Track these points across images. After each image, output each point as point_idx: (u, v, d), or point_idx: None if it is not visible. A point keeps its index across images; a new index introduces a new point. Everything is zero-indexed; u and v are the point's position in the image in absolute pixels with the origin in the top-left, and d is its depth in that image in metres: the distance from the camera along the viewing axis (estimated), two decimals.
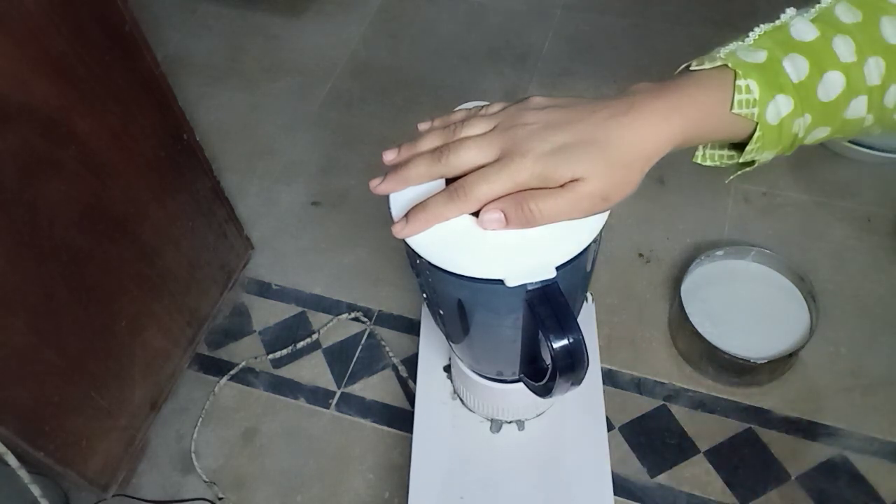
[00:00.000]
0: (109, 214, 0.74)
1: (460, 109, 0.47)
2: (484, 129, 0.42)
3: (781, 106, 0.39)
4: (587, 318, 0.81)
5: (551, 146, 0.39)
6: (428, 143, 0.44)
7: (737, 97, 0.39)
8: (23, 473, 0.67)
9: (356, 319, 0.96)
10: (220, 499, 0.84)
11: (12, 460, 0.66)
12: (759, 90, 0.39)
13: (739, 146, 0.43)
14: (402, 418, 0.87)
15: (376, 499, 0.82)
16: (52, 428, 0.71)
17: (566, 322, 0.43)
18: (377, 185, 0.45)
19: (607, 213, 0.46)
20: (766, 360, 0.81)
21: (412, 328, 0.94)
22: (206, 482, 0.85)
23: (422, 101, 1.19)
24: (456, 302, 0.50)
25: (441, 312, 0.54)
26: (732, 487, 0.80)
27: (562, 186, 0.39)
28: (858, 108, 0.40)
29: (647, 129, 0.39)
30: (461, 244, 0.44)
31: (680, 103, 0.40)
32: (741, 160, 0.42)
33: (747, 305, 0.89)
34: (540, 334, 0.45)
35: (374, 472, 0.84)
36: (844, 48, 0.39)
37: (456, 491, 0.69)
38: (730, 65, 0.39)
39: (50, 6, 0.60)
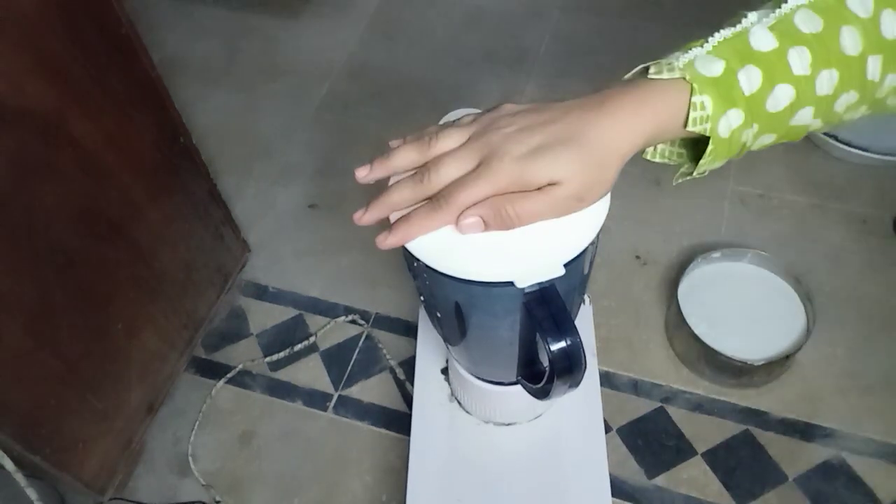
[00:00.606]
0: (106, 217, 0.74)
1: (432, 126, 0.47)
2: (459, 141, 0.43)
3: (732, 119, 0.40)
4: (584, 321, 0.81)
5: (527, 148, 0.40)
6: (403, 158, 0.45)
7: (692, 114, 0.40)
8: (19, 477, 0.67)
9: (353, 322, 0.96)
10: (218, 502, 0.83)
11: (8, 464, 0.66)
12: (713, 106, 0.40)
13: (689, 143, 0.45)
14: (399, 421, 0.87)
15: (374, 501, 0.82)
16: (49, 431, 0.71)
17: (564, 324, 0.43)
18: (361, 216, 0.46)
19: (605, 214, 0.46)
20: (762, 362, 0.81)
21: (409, 331, 0.94)
22: (203, 485, 0.85)
23: (419, 103, 1.19)
24: (453, 305, 0.50)
25: (438, 315, 0.54)
26: (730, 489, 0.80)
27: (539, 189, 0.40)
28: (805, 116, 0.41)
29: (619, 124, 0.40)
30: (460, 247, 0.44)
31: (644, 104, 0.41)
32: (696, 173, 0.44)
33: (744, 307, 0.89)
34: (537, 337, 0.45)
35: (372, 475, 0.84)
36: (799, 61, 0.40)
37: (453, 493, 0.69)
38: (687, 78, 0.40)
39: (46, 9, 0.60)
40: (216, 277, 0.96)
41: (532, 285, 0.44)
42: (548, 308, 0.45)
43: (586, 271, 0.53)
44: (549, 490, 0.68)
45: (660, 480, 0.81)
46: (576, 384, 0.46)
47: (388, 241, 0.44)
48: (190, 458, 0.87)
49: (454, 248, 0.44)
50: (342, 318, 0.96)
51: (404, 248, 0.47)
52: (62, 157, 0.66)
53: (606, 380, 0.88)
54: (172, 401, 0.91)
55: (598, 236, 0.48)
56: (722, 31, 0.42)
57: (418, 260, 0.46)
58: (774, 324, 0.87)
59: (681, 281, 0.89)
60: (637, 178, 1.06)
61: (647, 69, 0.42)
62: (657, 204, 1.04)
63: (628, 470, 0.82)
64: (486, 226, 0.42)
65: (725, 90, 0.40)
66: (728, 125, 0.40)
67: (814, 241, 0.98)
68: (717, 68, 0.40)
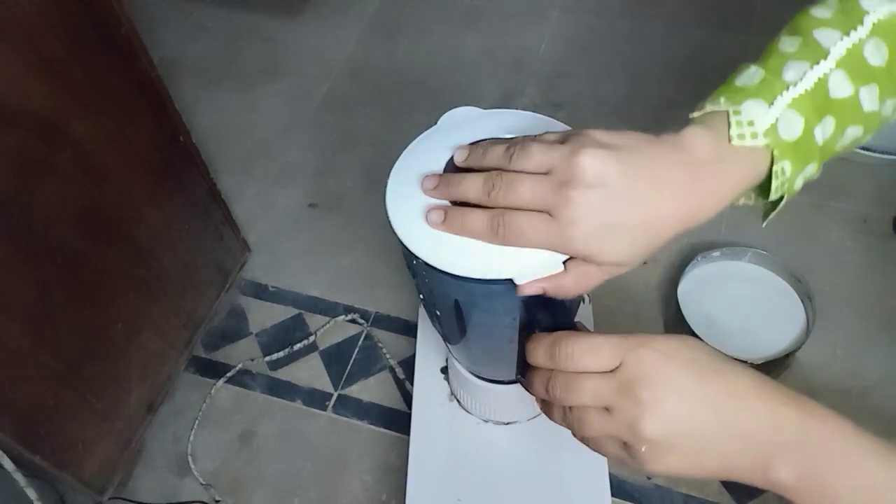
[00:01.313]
0: (105, 217, 0.74)
1: (494, 140, 0.45)
2: (540, 164, 0.41)
3: (808, 173, 0.42)
4: (584, 320, 0.81)
5: (604, 221, 0.39)
6: (473, 188, 0.43)
7: (774, 182, 0.41)
8: (18, 477, 0.67)
9: (353, 321, 0.96)
10: (217, 501, 0.83)
11: (8, 464, 0.66)
12: (792, 169, 0.41)
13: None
14: (399, 420, 0.87)
15: (374, 501, 0.82)
16: (48, 431, 0.71)
17: (563, 323, 0.43)
18: (438, 221, 0.44)
19: None
20: (762, 361, 0.81)
21: (409, 330, 0.94)
22: (202, 485, 0.85)
23: (419, 103, 1.19)
24: (453, 303, 0.50)
25: (438, 314, 0.54)
26: (730, 488, 0.80)
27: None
28: (856, 137, 0.43)
29: (699, 203, 0.42)
30: (459, 244, 0.44)
31: (725, 176, 0.41)
32: (767, 219, 0.46)
33: (744, 307, 0.89)
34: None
35: (372, 474, 0.84)
36: (869, 99, 0.41)
37: (453, 492, 0.69)
38: (770, 145, 0.40)
39: (46, 9, 0.60)
40: (216, 277, 0.96)
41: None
42: (547, 307, 0.45)
43: None
44: (548, 489, 0.68)
45: (659, 480, 0.81)
46: None
47: (440, 225, 0.44)
48: (189, 458, 0.87)
49: (453, 246, 0.44)
50: (342, 317, 0.96)
51: (404, 247, 0.47)
52: (62, 157, 0.66)
53: None
54: (172, 400, 0.91)
55: None
56: (795, 61, 0.41)
57: (417, 258, 0.46)
58: (774, 323, 0.87)
59: (681, 280, 0.89)
60: None
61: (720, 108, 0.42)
62: None
63: (628, 469, 0.82)
64: (544, 291, 0.43)
65: (804, 150, 0.41)
66: (803, 179, 0.42)
67: (814, 240, 0.98)
68: (797, 129, 0.40)
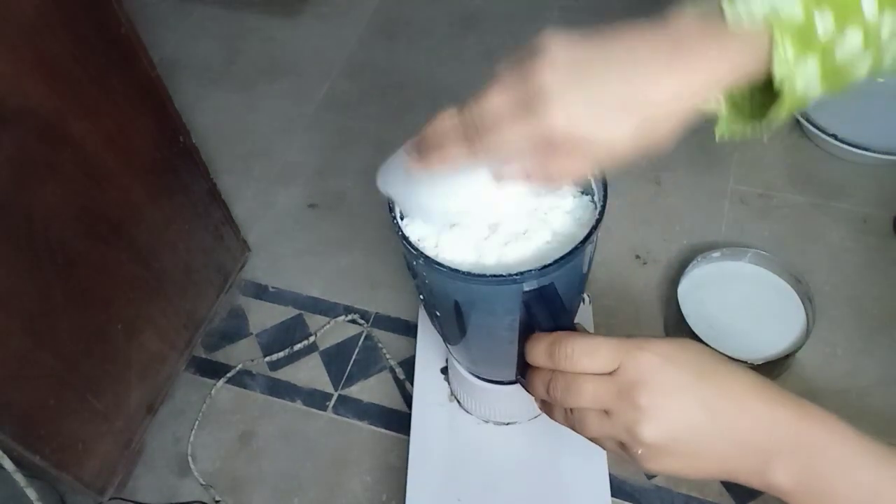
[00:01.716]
0: (105, 217, 0.74)
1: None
2: (505, 100, 0.39)
3: (809, 75, 0.37)
4: (584, 320, 0.81)
5: (583, 102, 0.36)
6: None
7: (776, 65, 0.36)
8: (18, 477, 0.67)
9: (353, 322, 0.96)
10: (217, 502, 0.83)
11: (8, 464, 0.66)
12: (794, 53, 0.36)
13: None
14: (399, 420, 0.87)
15: (374, 501, 0.82)
16: (48, 431, 0.71)
17: (563, 323, 0.43)
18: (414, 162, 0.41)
19: (601, 214, 0.46)
20: (762, 362, 0.81)
21: (409, 330, 0.94)
22: (202, 485, 0.85)
23: (419, 103, 1.19)
24: (453, 303, 0.50)
25: (438, 314, 0.54)
26: (730, 489, 0.80)
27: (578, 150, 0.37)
28: (856, 50, 0.37)
29: (690, 83, 0.37)
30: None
31: (723, 55, 0.36)
32: (761, 130, 0.41)
33: (744, 307, 0.89)
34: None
35: (372, 475, 0.84)
36: (867, 2, 0.36)
37: (453, 493, 0.69)
38: (769, 21, 0.35)
39: (46, 9, 0.60)
40: (216, 277, 0.96)
41: (531, 284, 0.44)
42: (547, 307, 0.45)
43: (585, 270, 0.53)
44: (548, 489, 0.68)
45: (659, 480, 0.81)
46: None
47: (415, 164, 0.42)
48: (189, 458, 0.87)
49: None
50: (342, 317, 0.96)
51: (405, 246, 0.47)
52: (62, 157, 0.66)
53: None
54: (172, 401, 0.91)
55: (597, 234, 0.48)
56: None
57: (418, 257, 0.46)
58: (774, 324, 0.87)
59: (681, 280, 0.89)
60: (637, 177, 1.06)
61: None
62: (657, 203, 1.04)
63: (628, 469, 0.82)
64: (529, 178, 0.40)
65: (806, 36, 0.35)
66: (804, 81, 0.37)
67: (814, 240, 0.98)
68: (797, 10, 0.35)
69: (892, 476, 0.36)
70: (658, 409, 0.37)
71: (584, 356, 0.39)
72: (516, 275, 0.45)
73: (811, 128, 1.03)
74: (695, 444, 0.37)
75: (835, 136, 1.04)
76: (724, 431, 0.37)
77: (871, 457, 0.36)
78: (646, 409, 0.37)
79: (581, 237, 0.47)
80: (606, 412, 0.38)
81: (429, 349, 0.79)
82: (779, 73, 0.36)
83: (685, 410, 0.37)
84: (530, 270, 0.45)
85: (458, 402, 0.74)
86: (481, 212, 0.46)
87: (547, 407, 0.43)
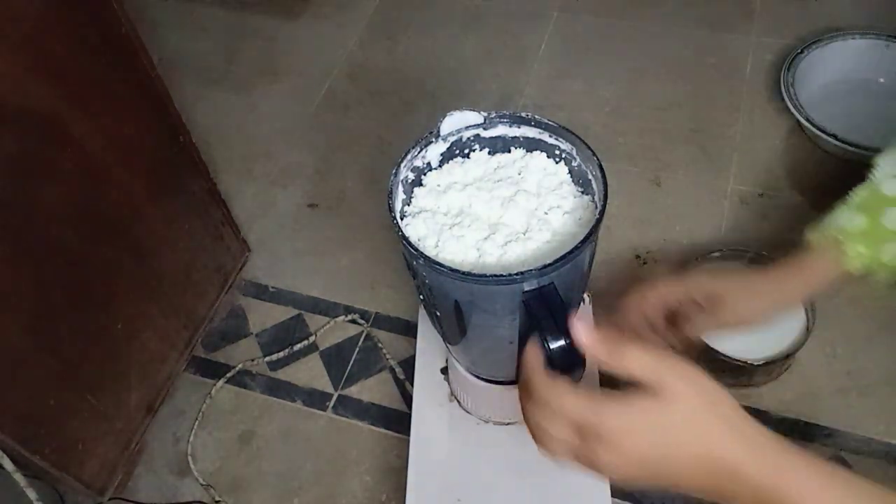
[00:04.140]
0: (105, 217, 0.74)
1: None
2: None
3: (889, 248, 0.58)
4: (584, 320, 0.81)
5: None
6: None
7: (850, 261, 0.59)
8: (19, 477, 0.67)
9: (353, 322, 0.96)
10: (217, 502, 0.83)
11: (8, 464, 0.66)
12: (867, 249, 0.58)
13: None
14: (399, 420, 0.87)
15: (373, 501, 0.82)
16: (49, 431, 0.71)
17: (563, 323, 0.43)
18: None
19: (601, 214, 0.46)
20: (762, 362, 0.81)
21: (409, 330, 0.94)
22: (202, 485, 0.85)
23: (418, 104, 1.19)
24: (453, 303, 0.50)
25: (438, 314, 0.54)
26: None
27: None
28: None
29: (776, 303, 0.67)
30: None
31: (801, 272, 0.65)
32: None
33: None
34: (537, 335, 0.45)
35: (372, 475, 0.84)
36: None
37: (453, 493, 0.69)
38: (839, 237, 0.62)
39: (46, 9, 0.60)
40: (216, 277, 0.96)
41: (531, 283, 0.44)
42: (547, 307, 0.45)
43: (586, 270, 0.53)
44: (548, 489, 0.68)
45: None
46: (575, 382, 0.46)
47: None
48: (189, 458, 0.87)
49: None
50: (342, 317, 0.96)
51: (405, 246, 0.47)
52: (62, 157, 0.66)
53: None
54: (172, 401, 0.91)
55: (597, 235, 0.48)
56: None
57: (418, 257, 0.46)
58: (774, 323, 0.87)
59: None
60: (637, 177, 1.06)
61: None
62: (658, 204, 1.04)
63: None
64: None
65: (874, 235, 0.58)
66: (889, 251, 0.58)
67: None
68: (859, 221, 0.60)
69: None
70: (617, 469, 0.39)
71: (553, 418, 0.41)
72: (516, 275, 0.45)
73: (811, 128, 1.03)
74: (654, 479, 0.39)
75: (835, 136, 1.04)
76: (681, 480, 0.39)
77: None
78: (605, 466, 0.39)
79: (581, 237, 0.47)
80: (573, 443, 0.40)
81: (429, 349, 0.79)
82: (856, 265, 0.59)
83: (643, 470, 0.39)
84: (530, 270, 0.45)
85: (458, 402, 0.74)
86: None
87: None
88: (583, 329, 0.41)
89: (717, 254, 0.91)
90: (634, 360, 0.39)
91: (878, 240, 0.58)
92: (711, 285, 0.63)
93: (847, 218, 0.61)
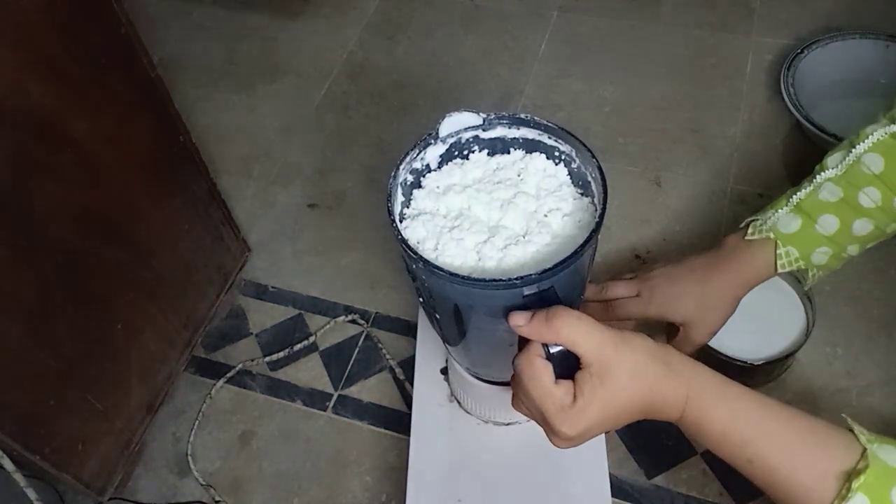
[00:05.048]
0: (105, 217, 0.74)
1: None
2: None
3: (821, 252, 0.65)
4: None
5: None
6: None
7: (779, 261, 0.66)
8: (18, 477, 0.67)
9: (353, 322, 0.96)
10: (217, 502, 0.83)
11: (8, 464, 0.66)
12: (799, 251, 0.65)
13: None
14: (399, 421, 0.87)
15: (374, 501, 0.82)
16: (48, 431, 0.71)
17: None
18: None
19: (601, 217, 0.46)
20: (762, 362, 0.81)
21: (409, 330, 0.94)
22: (202, 485, 0.85)
23: (418, 104, 1.19)
24: (452, 306, 0.50)
25: (437, 316, 0.54)
26: (729, 489, 0.80)
27: None
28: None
29: (726, 297, 0.73)
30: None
31: (742, 267, 0.71)
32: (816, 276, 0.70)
33: (744, 307, 0.88)
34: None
35: (372, 475, 0.84)
36: (867, 199, 0.65)
37: (453, 493, 0.69)
38: (772, 237, 0.68)
39: (45, 8, 0.60)
40: (216, 277, 0.96)
41: (531, 288, 0.44)
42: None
43: (585, 273, 0.53)
44: (548, 490, 0.68)
45: (659, 480, 0.81)
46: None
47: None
48: (189, 458, 0.87)
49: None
50: (342, 317, 0.96)
51: (403, 249, 0.47)
52: (61, 157, 0.66)
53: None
54: (172, 401, 0.91)
55: (597, 237, 0.48)
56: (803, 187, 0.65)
57: (417, 261, 0.46)
58: (774, 324, 0.87)
59: None
60: (637, 177, 1.06)
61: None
62: (657, 203, 1.04)
63: (628, 469, 0.82)
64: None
65: (807, 239, 0.64)
66: (819, 255, 0.64)
67: None
68: (795, 225, 0.65)
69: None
70: (579, 436, 0.46)
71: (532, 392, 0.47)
72: (516, 279, 0.45)
73: (811, 128, 1.03)
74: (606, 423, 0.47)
75: (835, 136, 1.04)
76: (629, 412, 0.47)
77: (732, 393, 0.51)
78: (568, 437, 0.46)
79: (581, 239, 0.47)
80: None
81: (429, 349, 0.79)
82: (780, 263, 0.67)
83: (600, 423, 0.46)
84: (530, 275, 0.45)
85: (458, 402, 0.74)
86: None
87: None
88: (515, 314, 0.46)
89: None
90: (567, 329, 0.44)
91: (810, 244, 0.64)
92: (669, 316, 0.70)
93: (784, 222, 0.65)
